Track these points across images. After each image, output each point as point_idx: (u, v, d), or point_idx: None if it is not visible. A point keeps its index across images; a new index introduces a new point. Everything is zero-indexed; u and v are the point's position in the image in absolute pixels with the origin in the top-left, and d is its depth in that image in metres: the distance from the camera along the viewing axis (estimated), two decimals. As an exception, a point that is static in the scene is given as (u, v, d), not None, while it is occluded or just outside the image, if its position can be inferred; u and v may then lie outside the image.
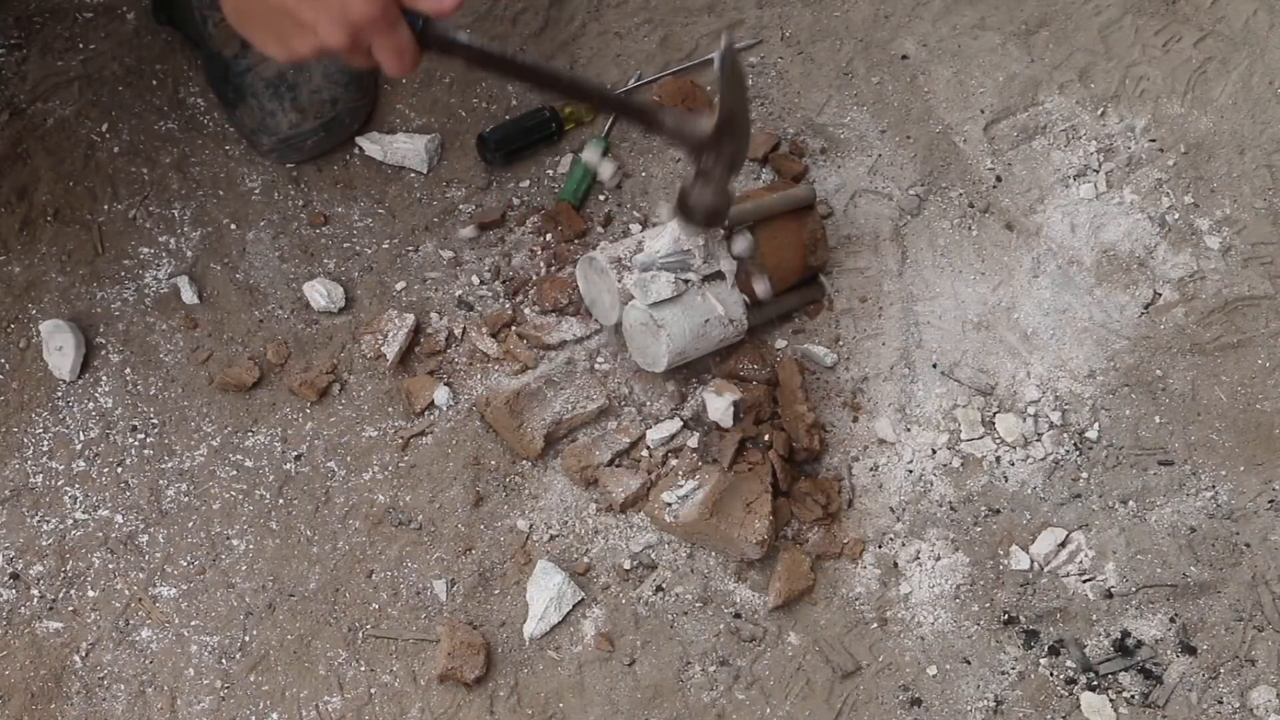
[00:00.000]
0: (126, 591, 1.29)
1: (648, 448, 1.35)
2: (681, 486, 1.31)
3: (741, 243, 1.33)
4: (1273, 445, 1.37)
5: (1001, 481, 1.36)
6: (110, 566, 1.30)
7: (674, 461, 1.34)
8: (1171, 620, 1.29)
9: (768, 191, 1.41)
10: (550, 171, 1.51)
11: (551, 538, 1.32)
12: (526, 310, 1.43)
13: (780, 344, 1.42)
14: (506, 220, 1.48)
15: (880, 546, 1.33)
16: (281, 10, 1.02)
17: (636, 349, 1.35)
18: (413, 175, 1.50)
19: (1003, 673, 1.27)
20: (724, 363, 1.39)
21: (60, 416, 1.36)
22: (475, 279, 1.44)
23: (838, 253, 1.46)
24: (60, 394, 1.37)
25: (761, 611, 1.29)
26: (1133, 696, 1.26)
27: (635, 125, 1.24)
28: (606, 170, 1.45)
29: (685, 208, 1.23)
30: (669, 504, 1.30)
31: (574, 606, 1.28)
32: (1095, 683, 1.27)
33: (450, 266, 1.45)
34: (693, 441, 1.34)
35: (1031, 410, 1.39)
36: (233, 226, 1.46)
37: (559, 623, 1.28)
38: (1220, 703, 1.26)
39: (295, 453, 1.35)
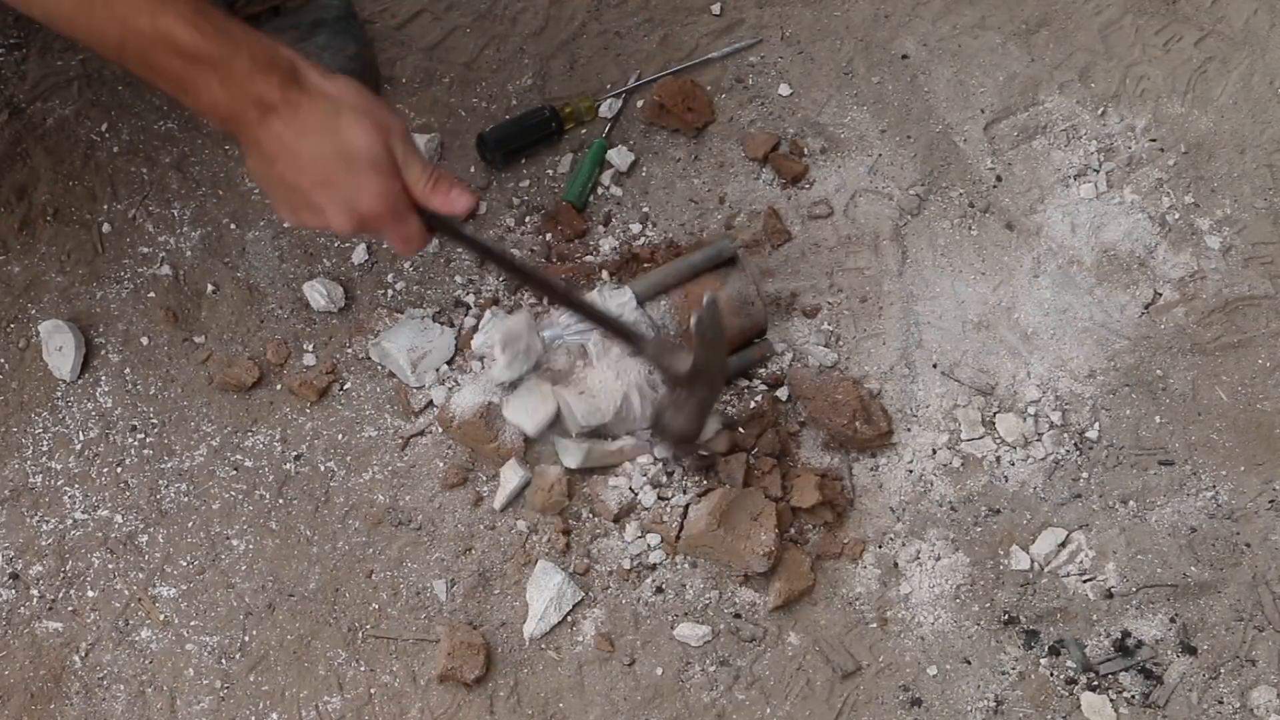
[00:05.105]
0: (126, 591, 1.29)
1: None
2: (682, 498, 1.30)
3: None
4: (1273, 445, 1.37)
5: (1002, 481, 1.36)
6: (110, 566, 1.30)
7: (674, 470, 1.33)
8: (1172, 620, 1.29)
9: (687, 251, 1.38)
10: (550, 171, 1.51)
11: (551, 537, 1.32)
12: (526, 310, 1.43)
13: (785, 357, 1.42)
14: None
15: (880, 546, 1.32)
16: (297, 188, 1.06)
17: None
18: (412, 175, 1.50)
19: (1003, 673, 1.27)
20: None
21: (60, 416, 1.36)
22: (474, 278, 1.44)
23: (838, 252, 1.46)
24: (60, 394, 1.37)
25: (761, 611, 1.29)
26: (1133, 696, 1.26)
27: (618, 342, 1.26)
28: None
29: (659, 426, 1.28)
30: (664, 519, 1.30)
31: (574, 606, 1.28)
32: (1095, 683, 1.27)
33: (448, 266, 1.45)
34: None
35: (1032, 410, 1.39)
36: (233, 226, 1.46)
37: (559, 623, 1.28)
38: (1220, 703, 1.26)
39: (295, 453, 1.35)
